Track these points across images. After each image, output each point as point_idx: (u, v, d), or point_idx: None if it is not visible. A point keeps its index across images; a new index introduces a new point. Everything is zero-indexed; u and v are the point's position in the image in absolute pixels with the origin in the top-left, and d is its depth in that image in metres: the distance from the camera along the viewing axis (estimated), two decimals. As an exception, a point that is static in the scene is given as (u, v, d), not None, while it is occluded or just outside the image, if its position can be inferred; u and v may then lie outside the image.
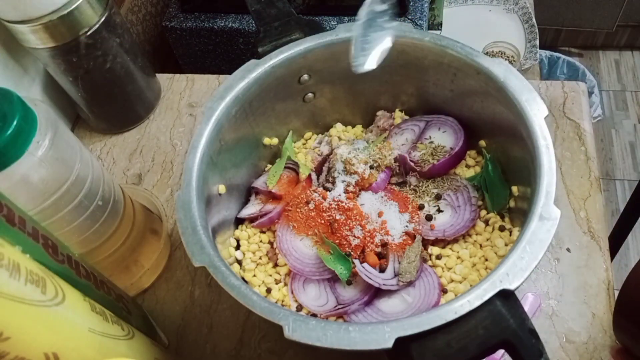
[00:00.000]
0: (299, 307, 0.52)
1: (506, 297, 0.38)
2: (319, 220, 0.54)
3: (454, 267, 0.52)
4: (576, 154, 0.65)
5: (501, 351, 0.37)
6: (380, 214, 0.55)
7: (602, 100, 1.73)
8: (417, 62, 0.56)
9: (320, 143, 0.63)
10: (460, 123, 0.59)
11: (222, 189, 0.54)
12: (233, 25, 0.93)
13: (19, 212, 0.37)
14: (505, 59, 1.22)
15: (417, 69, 0.57)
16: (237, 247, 0.57)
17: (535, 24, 1.27)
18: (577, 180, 0.63)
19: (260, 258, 0.56)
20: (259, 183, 0.60)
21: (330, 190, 0.57)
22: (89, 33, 0.61)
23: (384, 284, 0.50)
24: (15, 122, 0.40)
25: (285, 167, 0.60)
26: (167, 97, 0.78)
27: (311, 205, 0.55)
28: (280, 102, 0.59)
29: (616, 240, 1.01)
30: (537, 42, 1.25)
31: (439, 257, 0.53)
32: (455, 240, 0.54)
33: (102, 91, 0.69)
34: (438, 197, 0.56)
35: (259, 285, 0.54)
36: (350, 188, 0.56)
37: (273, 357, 0.55)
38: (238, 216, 0.59)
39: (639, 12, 1.71)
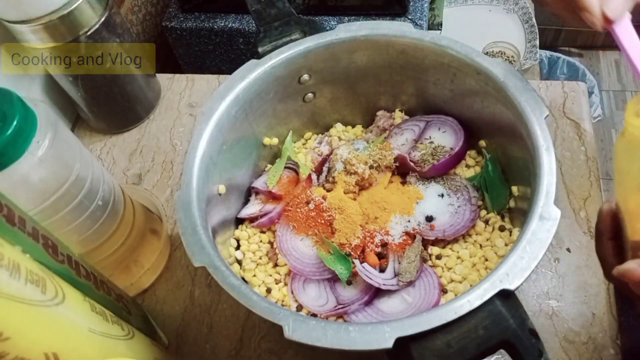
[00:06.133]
0: (299, 307, 0.52)
1: (506, 297, 0.38)
2: (319, 220, 0.54)
3: (454, 267, 0.52)
4: (576, 154, 0.65)
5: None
6: (380, 214, 0.55)
7: (602, 100, 1.73)
8: (417, 62, 0.56)
9: (320, 143, 0.63)
10: (460, 123, 0.59)
11: (222, 189, 0.54)
12: (233, 25, 0.93)
13: (19, 212, 0.37)
14: (505, 59, 1.22)
15: (417, 69, 0.57)
16: (237, 247, 0.57)
17: (535, 24, 1.27)
18: (577, 180, 0.63)
19: (260, 258, 0.56)
20: (259, 183, 0.60)
21: (330, 191, 0.57)
22: (89, 33, 0.61)
23: (384, 284, 0.50)
24: (15, 122, 0.40)
25: (285, 167, 0.60)
26: (167, 97, 0.78)
27: (311, 205, 0.55)
28: (280, 102, 0.59)
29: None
30: (537, 42, 1.25)
31: (439, 257, 0.53)
32: (455, 240, 0.54)
33: (102, 91, 0.69)
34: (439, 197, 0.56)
35: (259, 285, 0.54)
36: (350, 188, 0.56)
37: (273, 357, 0.55)
38: (238, 216, 0.59)
39: (639, 12, 1.71)
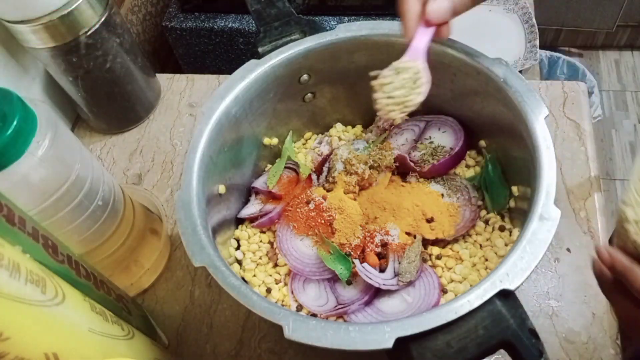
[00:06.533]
0: (299, 307, 0.52)
1: (506, 297, 0.38)
2: (319, 220, 0.54)
3: (454, 267, 0.52)
4: (576, 154, 0.65)
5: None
6: (380, 214, 0.54)
7: (602, 100, 1.73)
8: (417, 62, 0.56)
9: (320, 143, 0.63)
10: (460, 123, 0.59)
11: (222, 189, 0.54)
12: (233, 25, 0.93)
13: (19, 212, 0.37)
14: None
15: (417, 69, 0.56)
16: (237, 247, 0.57)
17: (535, 24, 1.27)
18: (577, 180, 0.63)
19: (260, 258, 0.56)
20: (259, 183, 0.60)
21: (330, 191, 0.57)
22: (89, 33, 0.61)
23: (384, 284, 0.50)
24: (15, 122, 0.40)
25: (285, 167, 0.60)
26: (167, 97, 0.78)
27: (311, 205, 0.55)
28: (280, 102, 0.59)
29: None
30: (537, 42, 1.25)
31: (439, 257, 0.53)
32: (455, 240, 0.54)
33: (102, 91, 0.69)
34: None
35: (259, 285, 0.54)
36: (351, 188, 0.56)
37: (273, 357, 0.55)
38: (238, 216, 0.59)
39: (639, 12, 1.71)
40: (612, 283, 0.39)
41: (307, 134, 0.65)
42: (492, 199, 0.55)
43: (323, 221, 0.54)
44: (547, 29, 1.78)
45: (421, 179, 0.58)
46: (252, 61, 0.55)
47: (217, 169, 0.52)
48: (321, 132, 0.66)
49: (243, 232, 0.57)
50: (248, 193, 0.61)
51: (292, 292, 0.53)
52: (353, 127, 0.65)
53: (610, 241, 0.42)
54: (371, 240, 0.53)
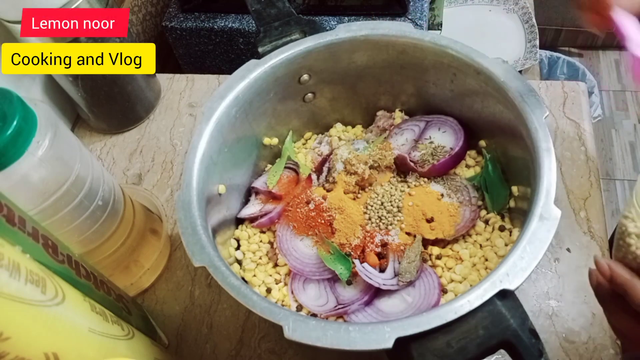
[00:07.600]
0: (299, 307, 0.52)
1: (506, 297, 0.38)
2: (319, 220, 0.54)
3: (454, 267, 0.52)
4: (576, 154, 0.65)
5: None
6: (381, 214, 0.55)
7: (602, 100, 1.73)
8: (417, 62, 0.56)
9: (320, 143, 0.63)
10: (460, 123, 0.59)
11: (222, 189, 0.54)
12: (233, 25, 0.93)
13: (19, 212, 0.37)
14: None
15: (417, 69, 0.57)
16: (237, 247, 0.57)
17: (535, 24, 1.27)
18: (577, 180, 0.63)
19: (260, 258, 0.56)
20: (259, 183, 0.60)
21: (330, 191, 0.57)
22: (89, 33, 0.61)
23: (384, 284, 0.50)
24: (15, 122, 0.40)
25: (285, 167, 0.60)
26: (167, 97, 0.78)
27: (311, 205, 0.55)
28: (280, 102, 0.59)
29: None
30: (537, 42, 1.25)
31: (439, 257, 0.53)
32: (455, 240, 0.54)
33: (102, 91, 0.69)
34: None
35: (259, 285, 0.54)
36: (350, 188, 0.56)
37: (273, 357, 0.55)
38: (238, 216, 0.59)
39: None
40: (609, 295, 0.39)
41: (307, 134, 0.65)
42: (492, 199, 0.55)
43: (323, 221, 0.54)
44: (547, 29, 1.78)
45: (421, 179, 0.58)
46: (252, 61, 0.55)
47: (217, 169, 0.52)
48: (321, 132, 0.66)
49: (243, 232, 0.57)
50: (248, 193, 0.61)
51: (292, 292, 0.53)
52: (353, 127, 0.65)
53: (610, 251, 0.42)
54: (371, 240, 0.53)
